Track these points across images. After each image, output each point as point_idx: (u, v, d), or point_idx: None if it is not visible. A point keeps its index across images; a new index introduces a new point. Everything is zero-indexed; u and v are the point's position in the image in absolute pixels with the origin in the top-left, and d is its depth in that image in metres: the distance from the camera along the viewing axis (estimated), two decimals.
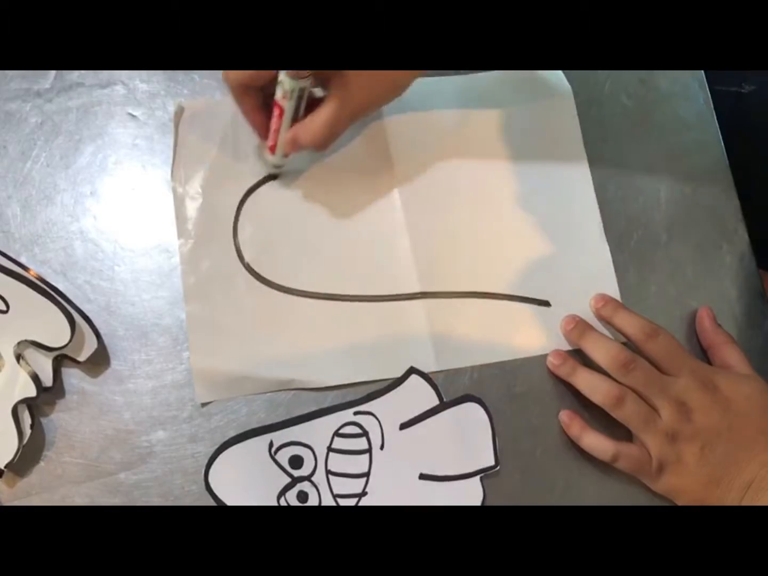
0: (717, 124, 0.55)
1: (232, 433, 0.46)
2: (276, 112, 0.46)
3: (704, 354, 0.51)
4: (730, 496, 0.44)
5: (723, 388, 0.46)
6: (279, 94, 0.44)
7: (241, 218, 0.50)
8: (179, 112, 0.51)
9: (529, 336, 0.50)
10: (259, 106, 0.46)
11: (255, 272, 0.49)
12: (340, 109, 0.43)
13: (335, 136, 0.46)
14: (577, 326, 0.49)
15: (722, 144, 0.55)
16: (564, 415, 0.48)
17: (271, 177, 0.51)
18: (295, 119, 0.46)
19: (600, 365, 0.47)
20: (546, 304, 0.51)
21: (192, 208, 0.50)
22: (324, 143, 0.45)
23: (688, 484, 0.45)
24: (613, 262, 0.52)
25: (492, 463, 0.47)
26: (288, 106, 0.45)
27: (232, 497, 0.45)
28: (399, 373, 0.48)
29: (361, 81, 0.43)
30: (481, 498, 0.47)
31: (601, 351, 0.47)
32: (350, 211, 0.51)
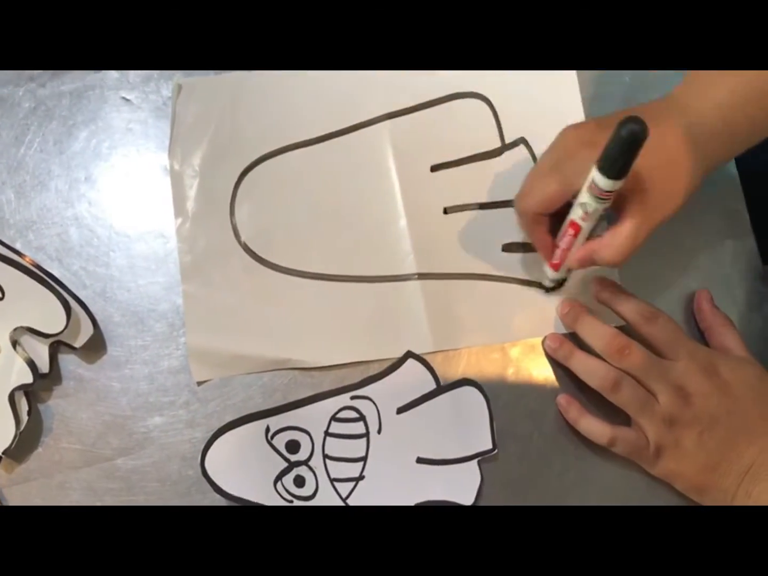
0: None
1: (228, 419, 0.46)
2: (571, 231, 0.43)
3: (701, 336, 0.50)
4: (728, 481, 0.44)
5: (722, 372, 0.45)
6: (578, 214, 0.42)
7: (238, 197, 0.50)
8: (177, 90, 0.50)
9: (527, 319, 0.50)
10: (550, 230, 0.46)
11: (252, 251, 0.49)
12: (642, 224, 0.42)
13: (636, 253, 0.44)
14: (572, 310, 0.48)
15: None
16: (561, 399, 0.48)
17: (267, 156, 0.50)
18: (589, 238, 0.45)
19: (595, 350, 0.47)
20: (544, 287, 0.50)
21: (189, 186, 0.50)
22: (625, 261, 0.44)
23: (686, 468, 0.45)
24: None
25: (489, 446, 0.47)
26: (586, 226, 0.43)
27: (229, 483, 0.45)
28: (396, 354, 0.48)
29: (661, 194, 0.42)
30: (478, 482, 0.47)
31: (596, 336, 0.46)
32: (348, 191, 0.51)
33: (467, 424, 0.48)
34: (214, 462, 0.45)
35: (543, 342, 0.49)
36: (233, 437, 0.46)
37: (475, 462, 0.47)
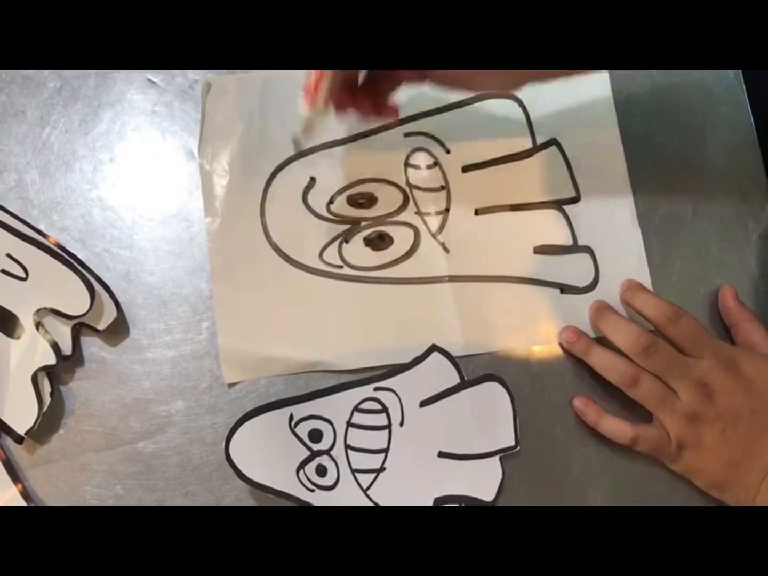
0: (747, 98, 0.54)
1: (250, 405, 0.46)
2: None
3: (727, 333, 0.50)
4: (750, 478, 0.44)
5: (746, 369, 0.45)
6: None
7: (268, 197, 0.49)
8: (206, 88, 0.50)
9: (560, 322, 0.49)
10: None
11: (282, 252, 0.49)
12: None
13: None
14: (598, 309, 0.48)
15: (752, 119, 0.53)
16: (577, 402, 0.48)
17: (300, 154, 0.50)
18: None
19: (621, 349, 0.46)
20: (576, 290, 0.50)
21: (219, 185, 0.49)
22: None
23: (708, 465, 0.45)
24: None
25: (512, 443, 0.47)
26: None
27: (252, 469, 0.44)
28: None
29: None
30: (500, 478, 0.46)
31: (621, 334, 0.46)
32: (377, 190, 0.50)
33: (490, 419, 0.47)
34: (238, 447, 0.45)
35: (559, 335, 0.49)
36: (258, 423, 0.45)
37: (497, 458, 0.47)
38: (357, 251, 0.49)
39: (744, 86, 0.54)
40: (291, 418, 0.46)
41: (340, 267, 0.49)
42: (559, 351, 0.49)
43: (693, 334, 0.46)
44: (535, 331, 0.49)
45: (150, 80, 0.50)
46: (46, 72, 0.50)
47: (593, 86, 0.53)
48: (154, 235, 0.49)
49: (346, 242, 0.50)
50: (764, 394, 0.44)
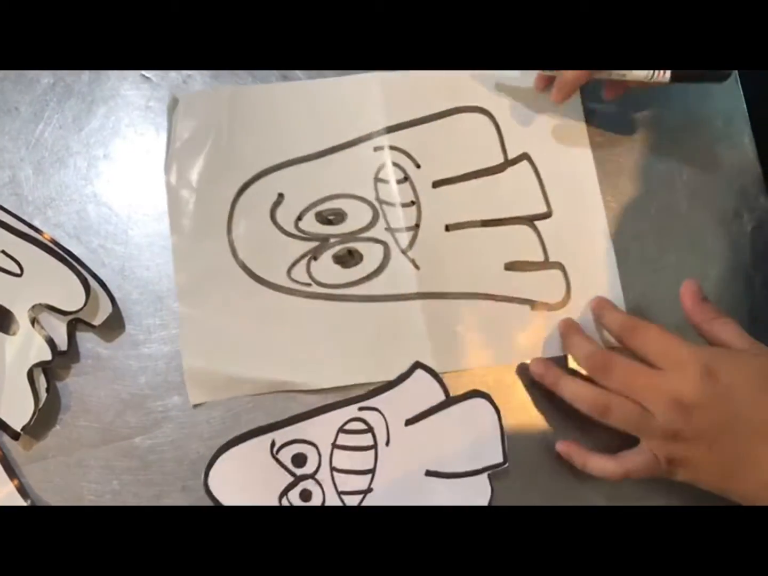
0: (741, 91, 0.54)
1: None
2: None
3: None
4: (748, 487, 0.41)
5: (722, 375, 0.40)
6: None
7: (235, 214, 0.49)
8: (173, 104, 0.49)
9: (531, 340, 0.48)
10: None
11: (249, 270, 0.48)
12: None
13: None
14: (563, 328, 0.47)
15: (746, 112, 0.54)
16: (561, 447, 0.46)
17: (268, 170, 0.49)
18: None
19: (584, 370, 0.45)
20: (547, 306, 0.49)
21: (185, 202, 0.48)
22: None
23: (703, 478, 0.42)
24: (633, 231, 0.51)
25: (500, 460, 0.46)
26: None
27: (233, 501, 0.44)
28: (396, 376, 0.47)
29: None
30: (488, 495, 0.46)
31: (581, 354, 0.45)
32: (347, 207, 0.50)
33: (477, 436, 0.47)
34: (217, 479, 0.44)
35: (530, 366, 0.47)
36: (237, 453, 0.45)
37: (485, 475, 0.46)
38: (326, 268, 0.49)
39: (738, 78, 0.54)
40: (273, 444, 0.46)
41: (309, 285, 0.48)
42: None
43: (658, 344, 0.42)
44: (506, 348, 0.48)
45: (144, 76, 0.50)
46: None
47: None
48: (149, 231, 0.49)
49: (315, 259, 0.49)
50: (746, 398, 0.40)
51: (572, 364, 0.48)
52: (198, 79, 0.50)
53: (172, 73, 0.50)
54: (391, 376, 0.47)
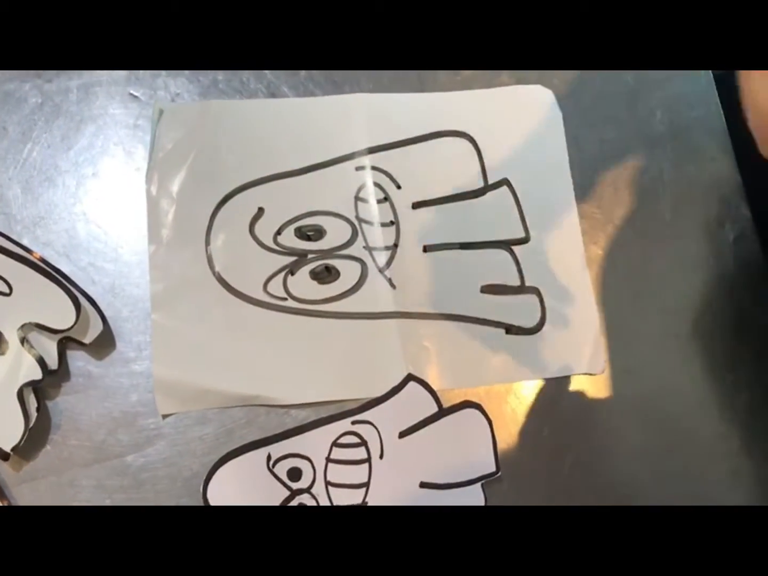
0: (719, 101, 0.55)
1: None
2: None
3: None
4: None
5: None
6: None
7: (214, 227, 0.49)
8: (158, 115, 0.50)
9: (505, 363, 0.49)
10: None
11: (225, 282, 0.48)
12: None
13: None
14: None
15: (724, 121, 0.55)
16: None
17: (249, 184, 0.50)
18: None
19: None
20: (522, 330, 0.50)
21: (165, 213, 0.49)
22: None
23: None
24: (618, 240, 0.52)
25: (493, 469, 0.47)
26: None
27: None
28: (370, 394, 0.47)
29: None
30: (482, 505, 0.46)
31: None
32: (327, 225, 0.50)
33: (470, 447, 0.47)
34: (215, 493, 0.44)
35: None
36: (234, 467, 0.45)
37: (479, 485, 0.46)
38: (302, 284, 0.49)
39: (716, 88, 0.55)
40: (269, 458, 0.45)
41: (285, 299, 0.48)
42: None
43: None
44: (480, 370, 0.49)
45: (132, 94, 0.51)
46: (27, 87, 0.50)
47: (545, 125, 0.53)
48: (138, 248, 0.49)
49: (292, 274, 0.49)
50: None
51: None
52: (186, 97, 0.51)
53: (160, 92, 0.51)
54: (364, 395, 0.47)
